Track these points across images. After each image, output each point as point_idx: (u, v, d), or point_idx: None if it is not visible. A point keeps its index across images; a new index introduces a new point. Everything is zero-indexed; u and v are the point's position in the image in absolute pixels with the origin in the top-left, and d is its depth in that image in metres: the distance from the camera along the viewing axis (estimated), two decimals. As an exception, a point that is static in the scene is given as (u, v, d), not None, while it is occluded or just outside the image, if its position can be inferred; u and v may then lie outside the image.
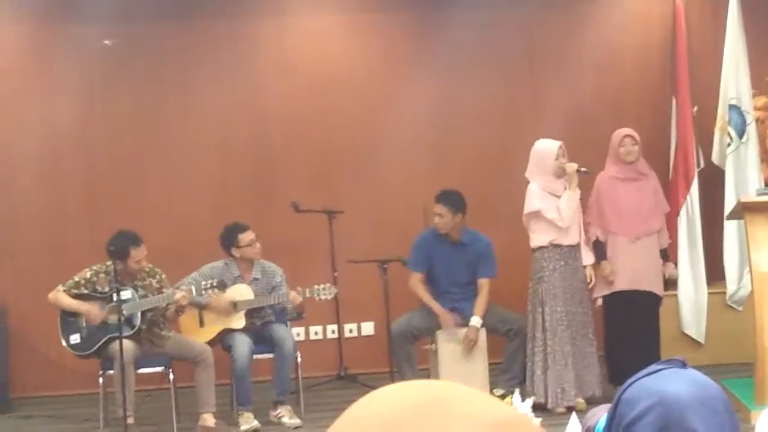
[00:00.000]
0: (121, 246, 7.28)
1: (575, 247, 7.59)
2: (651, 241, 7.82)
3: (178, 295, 7.30)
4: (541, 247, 7.55)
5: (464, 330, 7.77)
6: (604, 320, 7.89)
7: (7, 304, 8.73)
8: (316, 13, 9.27)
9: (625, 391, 1.74)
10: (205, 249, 8.04)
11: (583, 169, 7.55)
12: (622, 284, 7.70)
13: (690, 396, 1.69)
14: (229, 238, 7.74)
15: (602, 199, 7.74)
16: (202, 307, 7.62)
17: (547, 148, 7.61)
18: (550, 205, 7.51)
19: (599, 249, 7.73)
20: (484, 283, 7.90)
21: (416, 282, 7.97)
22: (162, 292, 7.41)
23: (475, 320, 7.77)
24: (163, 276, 7.57)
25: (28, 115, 8.96)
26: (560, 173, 7.54)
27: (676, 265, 8.71)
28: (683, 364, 1.76)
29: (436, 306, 7.86)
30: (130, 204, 8.84)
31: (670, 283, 8.66)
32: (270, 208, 8.90)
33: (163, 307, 7.41)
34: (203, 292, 7.40)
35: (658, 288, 7.87)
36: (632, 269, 7.68)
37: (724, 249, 8.71)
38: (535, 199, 7.54)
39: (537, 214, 7.53)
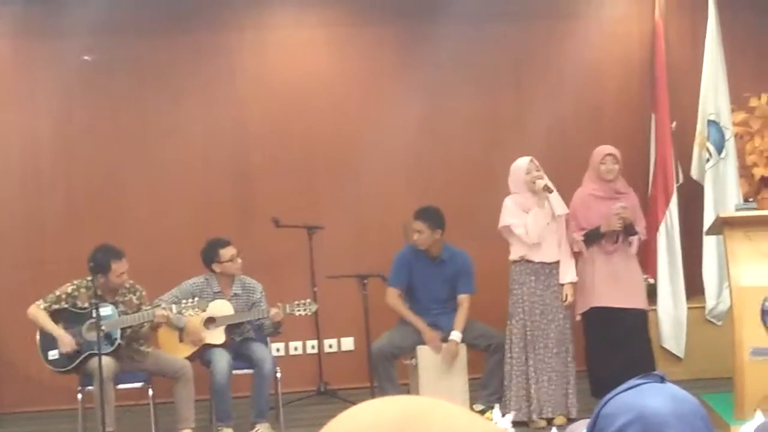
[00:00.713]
0: (102, 259, 7.26)
1: (550, 265, 7.60)
2: (629, 255, 7.78)
3: (158, 312, 7.28)
4: (514, 261, 7.61)
5: (444, 345, 7.77)
6: (584, 334, 7.88)
7: (-14, 319, 8.69)
8: (297, 27, 9.27)
9: (603, 406, 1.74)
10: (185, 264, 8.02)
11: (547, 186, 7.54)
12: (602, 300, 7.69)
13: (669, 411, 1.69)
14: (210, 254, 7.73)
15: (578, 216, 7.74)
16: (179, 329, 7.61)
17: (519, 163, 7.66)
18: (521, 221, 7.54)
19: (594, 234, 7.69)
20: (463, 299, 7.91)
21: (394, 298, 7.97)
22: (140, 309, 7.39)
23: (455, 335, 7.78)
24: (144, 293, 7.55)
25: (7, 129, 8.92)
26: (533, 188, 7.56)
27: (654, 277, 8.76)
28: (662, 379, 1.76)
29: (419, 323, 7.86)
30: (111, 219, 8.82)
31: (650, 297, 8.68)
32: (250, 223, 8.89)
33: (139, 324, 7.38)
34: (183, 311, 7.37)
35: (640, 302, 7.82)
36: (612, 284, 7.68)
37: (703, 264, 8.75)
38: (507, 213, 7.60)
39: (508, 229, 7.58)
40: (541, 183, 7.50)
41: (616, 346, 7.62)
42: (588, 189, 7.83)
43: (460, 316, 7.85)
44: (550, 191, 7.54)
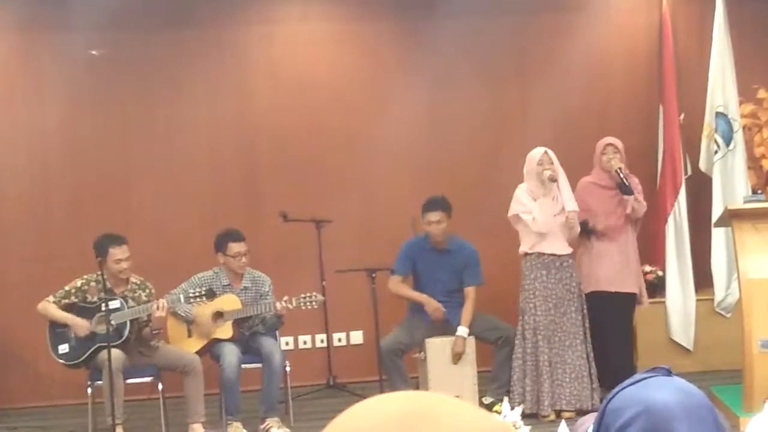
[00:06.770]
0: (101, 244, 7.30)
1: (561, 258, 7.57)
2: (629, 241, 7.86)
3: (155, 305, 7.27)
4: (526, 254, 7.60)
5: (452, 339, 7.77)
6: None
7: (-5, 314, 8.71)
8: (303, 22, 9.27)
9: (610, 400, 1.74)
10: (193, 259, 8.04)
11: (551, 176, 7.55)
12: (599, 284, 7.74)
13: (676, 404, 1.69)
14: (220, 242, 7.75)
15: (579, 201, 7.73)
16: (189, 323, 7.63)
17: (533, 153, 7.66)
18: (529, 209, 7.54)
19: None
20: (470, 291, 7.91)
21: (396, 283, 7.99)
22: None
23: (462, 330, 7.77)
24: (153, 291, 7.56)
25: (14, 125, 8.94)
26: (543, 179, 7.57)
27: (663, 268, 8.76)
28: (668, 373, 1.76)
29: (420, 296, 7.89)
30: (118, 214, 8.82)
31: (659, 290, 8.70)
32: (258, 217, 8.89)
33: (144, 320, 7.38)
34: (191, 300, 7.39)
35: (635, 288, 7.89)
36: (611, 269, 7.75)
37: (712, 256, 8.74)
38: (517, 202, 7.61)
39: (517, 218, 7.59)
40: (546, 173, 7.50)
41: (611, 331, 7.69)
42: (590, 177, 7.91)
43: (467, 310, 7.84)
44: (554, 180, 7.53)
